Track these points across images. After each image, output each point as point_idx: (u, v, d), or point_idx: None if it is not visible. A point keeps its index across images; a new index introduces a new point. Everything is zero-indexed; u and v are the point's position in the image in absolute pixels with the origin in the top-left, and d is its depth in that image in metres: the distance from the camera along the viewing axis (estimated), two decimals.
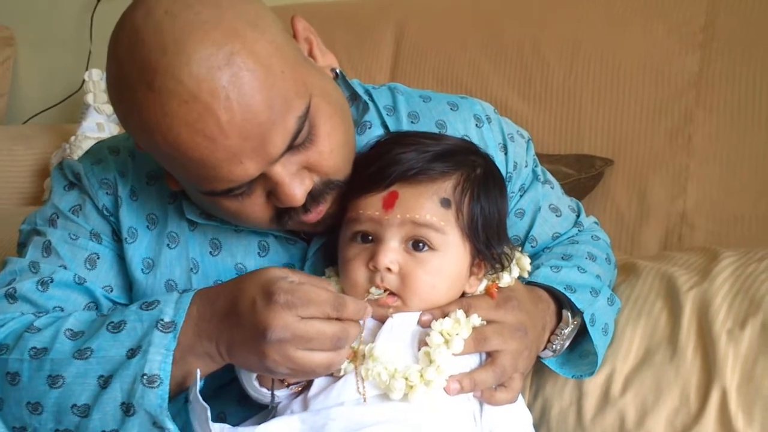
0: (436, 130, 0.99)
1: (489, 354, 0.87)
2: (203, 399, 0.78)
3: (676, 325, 1.01)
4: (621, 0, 1.78)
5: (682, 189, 1.64)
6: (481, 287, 0.91)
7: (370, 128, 0.99)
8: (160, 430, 0.79)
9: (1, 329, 0.87)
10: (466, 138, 0.98)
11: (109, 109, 2.40)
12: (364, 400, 0.81)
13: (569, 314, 0.98)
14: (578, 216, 1.14)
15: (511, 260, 0.92)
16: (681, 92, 1.67)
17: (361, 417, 0.79)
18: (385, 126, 1.00)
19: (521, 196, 1.05)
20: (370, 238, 0.86)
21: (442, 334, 0.83)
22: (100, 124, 2.41)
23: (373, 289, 0.84)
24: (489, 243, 0.88)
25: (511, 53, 1.87)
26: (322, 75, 0.88)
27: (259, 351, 0.76)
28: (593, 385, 1.01)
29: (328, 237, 0.93)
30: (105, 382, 0.80)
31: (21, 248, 0.98)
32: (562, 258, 1.04)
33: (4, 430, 0.85)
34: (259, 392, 0.85)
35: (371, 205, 0.85)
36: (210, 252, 0.95)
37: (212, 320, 0.80)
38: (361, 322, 0.81)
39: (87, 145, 2.23)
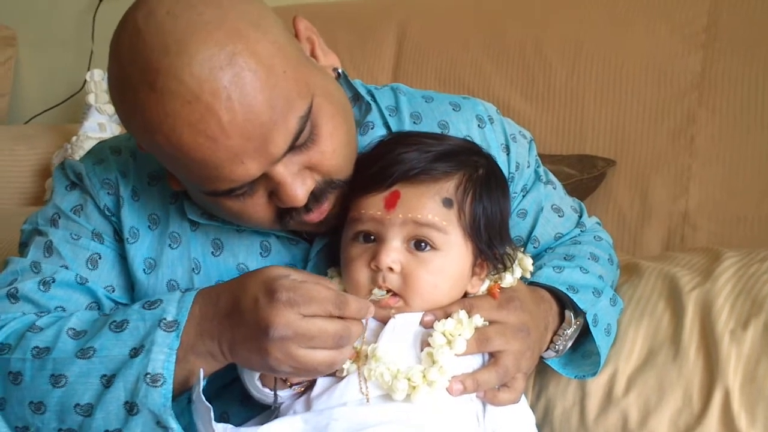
0: (438, 131, 0.99)
1: (492, 354, 0.87)
2: (206, 399, 0.78)
3: (679, 325, 1.01)
4: (623, 0, 1.78)
5: (684, 189, 1.64)
6: (484, 287, 0.91)
7: (372, 129, 0.99)
8: (163, 429, 0.80)
9: (2, 329, 0.87)
10: (468, 138, 0.98)
11: (110, 109, 2.40)
12: (367, 401, 0.81)
13: (572, 315, 0.98)
14: (580, 216, 1.14)
15: (514, 261, 0.92)
16: (684, 93, 1.67)
17: (364, 417, 0.79)
18: (387, 126, 0.99)
19: (523, 196, 1.05)
20: (372, 237, 0.86)
21: (444, 335, 0.83)
22: (101, 124, 2.41)
23: (375, 291, 0.84)
24: (491, 243, 0.88)
25: (514, 53, 1.87)
26: (324, 75, 0.88)
27: (262, 349, 0.76)
28: (596, 386, 1.01)
29: (330, 237, 0.93)
30: (108, 381, 0.80)
31: (22, 248, 0.98)
32: (565, 258, 1.04)
33: (6, 429, 0.85)
34: (262, 392, 0.85)
35: (373, 205, 0.85)
36: (212, 252, 0.95)
37: (214, 319, 0.81)
38: (364, 321, 0.80)
39: (88, 145, 2.24)
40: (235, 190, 0.82)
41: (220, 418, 0.84)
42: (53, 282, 0.91)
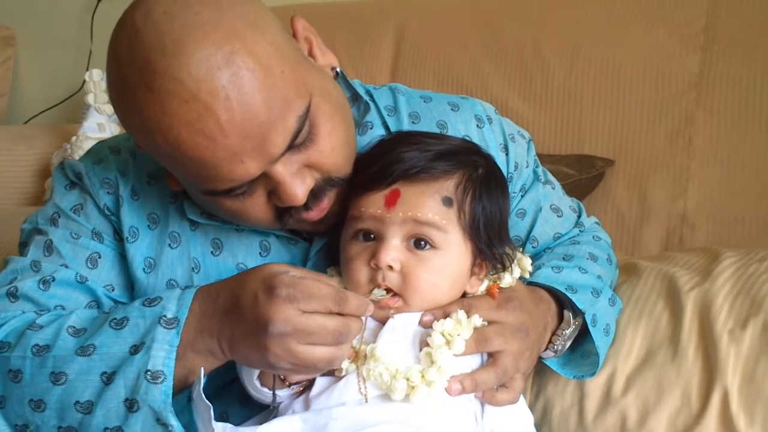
0: (436, 131, 0.99)
1: (490, 354, 0.87)
2: (205, 398, 0.78)
3: (678, 325, 1.01)
4: (621, 1, 1.78)
5: (682, 190, 1.64)
6: (482, 287, 0.91)
7: (371, 128, 0.99)
8: (163, 427, 0.79)
9: (2, 327, 0.87)
10: (467, 138, 0.98)
11: (109, 109, 2.40)
12: (366, 401, 0.81)
13: (570, 315, 0.98)
14: (579, 216, 1.14)
15: (513, 261, 0.92)
16: (682, 93, 1.67)
17: (362, 417, 0.79)
18: (386, 126, 1.00)
19: (522, 196, 1.05)
20: (372, 236, 0.86)
21: (443, 335, 0.83)
22: (100, 124, 2.41)
23: (375, 291, 0.84)
24: (490, 243, 0.88)
25: (512, 54, 1.87)
26: (322, 74, 0.88)
27: (261, 345, 0.76)
28: (595, 386, 1.01)
29: (329, 237, 0.93)
30: (108, 378, 0.80)
31: (22, 247, 0.98)
32: (564, 258, 1.04)
33: (6, 428, 0.85)
34: (261, 392, 0.85)
35: (373, 203, 0.85)
36: (211, 252, 0.95)
37: (214, 316, 0.81)
38: (363, 319, 0.81)
39: (88, 145, 2.24)
40: (234, 190, 0.82)
41: (219, 418, 0.84)
42: (53, 281, 0.91)
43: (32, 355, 0.83)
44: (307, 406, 0.82)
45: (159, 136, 0.76)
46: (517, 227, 1.05)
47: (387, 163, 0.86)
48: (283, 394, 0.85)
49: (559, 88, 1.79)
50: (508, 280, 0.91)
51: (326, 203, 0.87)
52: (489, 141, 1.01)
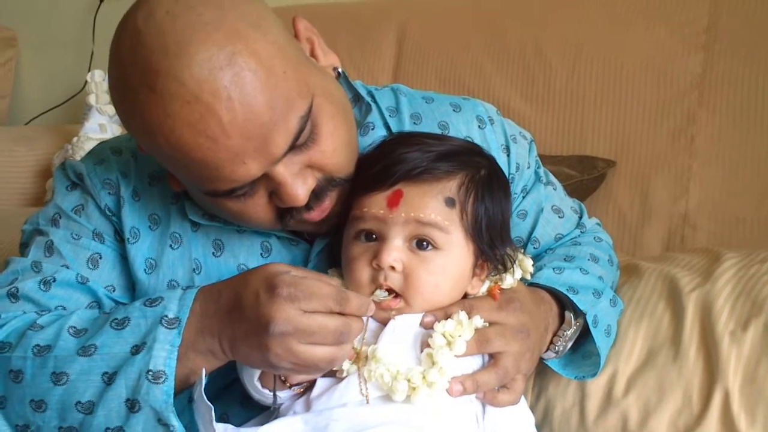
0: (438, 131, 0.99)
1: (491, 355, 0.87)
2: (207, 399, 0.78)
3: (679, 326, 1.01)
4: (623, 1, 1.78)
5: (684, 190, 1.64)
6: (484, 289, 0.91)
7: (373, 129, 0.99)
8: (164, 427, 0.79)
9: (3, 328, 0.87)
10: (468, 139, 0.98)
11: (111, 110, 2.40)
12: (367, 402, 0.81)
13: (572, 316, 0.98)
14: (581, 217, 1.14)
15: (514, 262, 0.92)
16: (684, 93, 1.67)
17: (363, 418, 0.79)
18: (387, 127, 1.00)
19: (524, 197, 1.05)
20: (374, 236, 0.86)
21: (444, 336, 0.83)
22: (102, 125, 2.41)
23: (378, 292, 0.84)
24: (492, 244, 0.88)
25: (514, 54, 1.86)
26: (324, 75, 0.88)
27: (262, 345, 0.76)
28: (596, 386, 1.01)
29: (331, 238, 0.93)
30: (109, 378, 0.80)
31: (23, 248, 0.98)
32: (565, 259, 1.04)
33: (7, 428, 0.85)
34: (261, 393, 0.85)
35: (376, 204, 0.85)
36: (213, 253, 0.95)
37: (215, 316, 0.81)
38: (364, 319, 0.81)
39: (89, 146, 2.24)
40: (235, 191, 0.82)
41: (220, 419, 0.84)
42: (54, 281, 0.91)
43: (33, 355, 0.83)
44: (308, 407, 0.82)
45: (161, 137, 0.76)
46: (518, 228, 1.05)
47: (389, 163, 0.86)
48: (283, 395, 0.85)
49: (561, 88, 1.79)
50: (509, 281, 0.91)
51: (328, 203, 0.87)
52: (490, 142, 1.01)
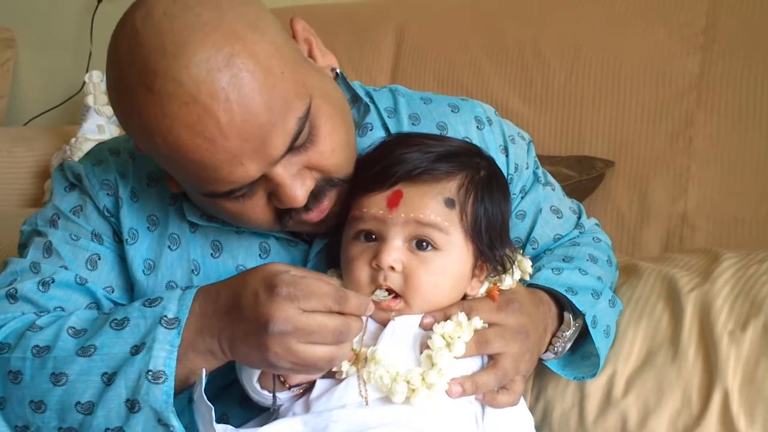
0: (437, 132, 0.99)
1: (491, 357, 0.87)
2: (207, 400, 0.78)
3: (678, 326, 1.01)
4: (622, 1, 1.78)
5: (683, 191, 1.64)
6: (483, 290, 0.91)
7: (371, 130, 0.98)
8: (164, 427, 0.79)
9: (2, 329, 0.87)
10: (467, 140, 0.98)
11: (109, 110, 2.40)
12: (366, 403, 0.80)
13: (571, 316, 0.98)
14: (579, 218, 1.14)
15: (513, 262, 0.92)
16: (682, 94, 1.67)
17: (363, 420, 0.79)
18: (386, 128, 0.99)
19: (522, 197, 1.05)
20: (374, 237, 0.86)
21: (443, 337, 0.83)
22: (100, 125, 2.41)
23: (377, 292, 0.84)
24: (492, 245, 0.88)
25: (512, 55, 1.87)
26: (322, 75, 0.88)
27: (261, 344, 0.75)
28: (595, 387, 1.01)
29: (330, 238, 0.93)
30: (109, 379, 0.80)
31: (22, 249, 0.98)
32: (563, 260, 1.04)
33: (6, 429, 0.85)
34: (260, 394, 0.85)
35: (375, 204, 0.85)
36: (211, 254, 0.95)
37: (214, 316, 0.80)
38: (363, 320, 0.80)
39: (87, 146, 2.24)
40: (234, 192, 0.82)
41: (219, 420, 0.84)
42: (52, 282, 0.91)
43: (32, 356, 0.83)
44: (307, 409, 0.82)
45: (159, 138, 0.76)
46: (517, 229, 1.05)
47: (389, 164, 0.86)
48: (282, 396, 0.84)
49: (559, 88, 1.79)
50: (508, 282, 0.91)
51: (326, 204, 0.87)
52: (489, 142, 1.01)
